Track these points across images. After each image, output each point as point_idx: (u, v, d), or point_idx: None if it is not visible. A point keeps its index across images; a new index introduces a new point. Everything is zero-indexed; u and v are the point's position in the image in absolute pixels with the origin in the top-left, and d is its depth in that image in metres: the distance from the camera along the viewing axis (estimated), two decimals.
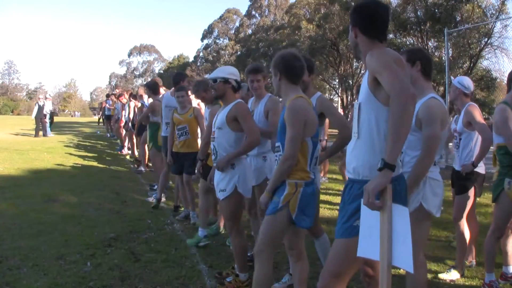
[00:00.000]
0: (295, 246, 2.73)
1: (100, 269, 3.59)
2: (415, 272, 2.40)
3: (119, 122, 12.05)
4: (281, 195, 2.53)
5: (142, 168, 9.05)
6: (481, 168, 3.71)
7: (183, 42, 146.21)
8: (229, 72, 3.33)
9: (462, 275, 3.63)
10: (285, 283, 3.35)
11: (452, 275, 3.58)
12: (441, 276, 3.58)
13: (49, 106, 19.31)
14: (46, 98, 17.51)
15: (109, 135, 17.65)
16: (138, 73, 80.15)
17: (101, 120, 21.55)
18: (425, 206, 2.51)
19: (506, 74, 3.59)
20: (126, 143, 12.21)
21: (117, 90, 14.63)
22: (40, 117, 16.51)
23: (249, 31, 50.83)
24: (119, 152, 12.46)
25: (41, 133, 16.81)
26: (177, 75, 6.00)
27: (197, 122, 5.26)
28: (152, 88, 6.73)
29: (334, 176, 8.83)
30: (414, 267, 2.38)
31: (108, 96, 18.48)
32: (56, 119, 30.09)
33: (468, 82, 3.74)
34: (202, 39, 57.19)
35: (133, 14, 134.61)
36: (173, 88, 5.69)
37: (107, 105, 16.91)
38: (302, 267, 2.74)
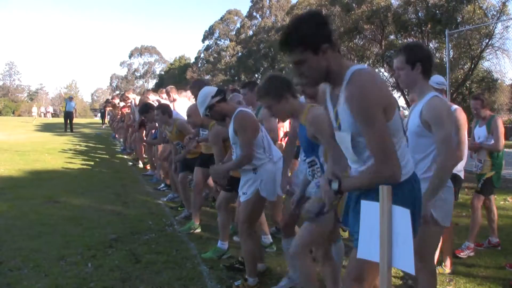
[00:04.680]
0: (320, 247, 2.66)
1: (101, 270, 3.59)
2: (429, 280, 2.39)
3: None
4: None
5: (150, 171, 8.95)
6: None
7: (184, 43, 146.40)
8: (202, 100, 3.26)
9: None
10: (283, 286, 3.28)
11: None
12: None
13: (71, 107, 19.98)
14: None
15: (115, 135, 16.77)
16: (139, 74, 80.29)
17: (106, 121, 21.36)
18: (434, 214, 2.37)
19: (507, 75, 3.62)
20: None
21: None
22: None
23: (250, 32, 50.82)
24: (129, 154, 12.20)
25: None
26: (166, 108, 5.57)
27: (184, 133, 5.26)
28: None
29: None
30: (427, 276, 2.38)
31: (108, 100, 18.41)
32: (56, 120, 30.18)
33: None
34: (203, 40, 57.22)
35: (134, 15, 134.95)
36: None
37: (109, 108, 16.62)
38: (332, 266, 2.73)
